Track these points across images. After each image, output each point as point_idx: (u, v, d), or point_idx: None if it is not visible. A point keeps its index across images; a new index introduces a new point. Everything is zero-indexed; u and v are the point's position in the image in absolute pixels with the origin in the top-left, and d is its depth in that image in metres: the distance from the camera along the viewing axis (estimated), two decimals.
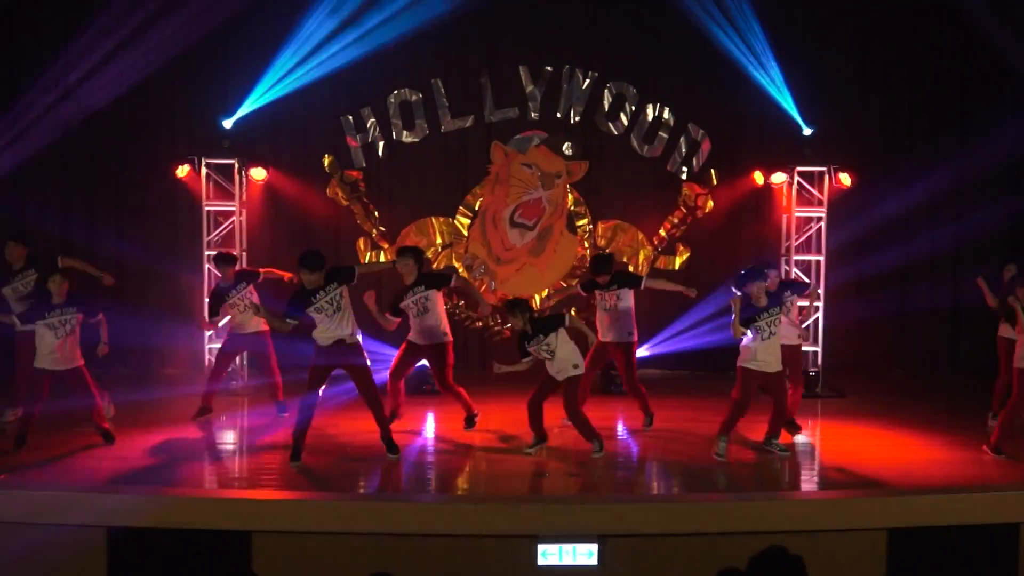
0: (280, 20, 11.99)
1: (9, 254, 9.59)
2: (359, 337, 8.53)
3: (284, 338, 9.17)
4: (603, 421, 9.65)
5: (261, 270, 10.08)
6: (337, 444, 9.00)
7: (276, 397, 10.11)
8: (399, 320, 9.19)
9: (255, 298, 9.65)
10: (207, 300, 10.76)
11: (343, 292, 8.30)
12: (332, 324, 8.27)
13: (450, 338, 9.35)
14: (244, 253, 11.96)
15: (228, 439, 9.64)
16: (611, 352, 9.70)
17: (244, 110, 11.91)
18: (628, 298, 9.57)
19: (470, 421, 9.47)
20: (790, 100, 12.17)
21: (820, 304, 11.89)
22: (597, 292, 9.60)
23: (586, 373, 9.13)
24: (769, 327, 8.51)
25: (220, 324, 10.56)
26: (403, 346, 9.45)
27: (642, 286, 9.64)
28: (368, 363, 8.51)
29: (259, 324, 9.76)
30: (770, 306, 8.54)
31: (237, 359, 11.21)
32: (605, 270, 9.58)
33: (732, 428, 8.74)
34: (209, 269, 11.71)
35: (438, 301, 9.26)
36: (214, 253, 10.82)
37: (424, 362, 9.67)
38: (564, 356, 8.59)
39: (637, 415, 9.82)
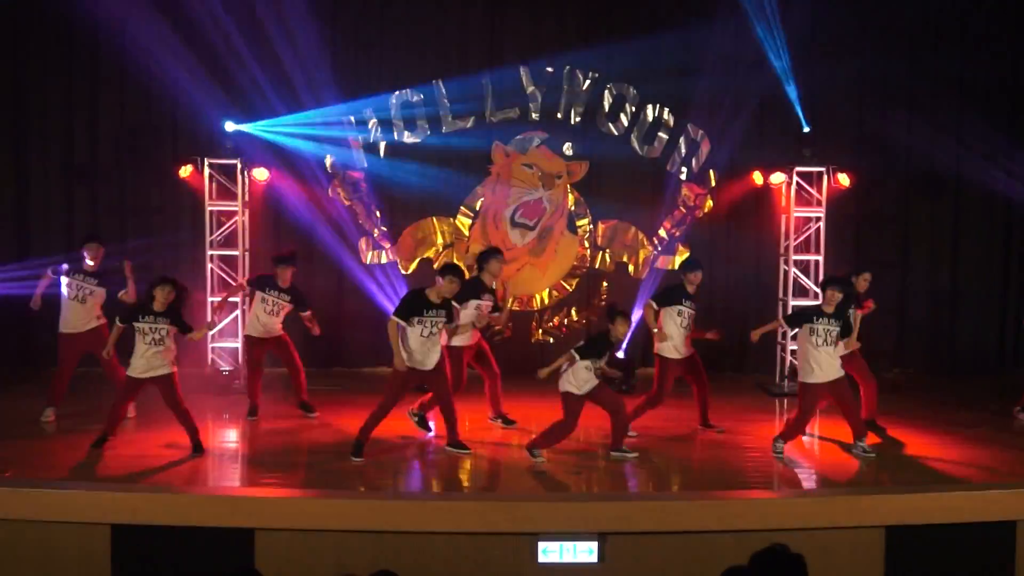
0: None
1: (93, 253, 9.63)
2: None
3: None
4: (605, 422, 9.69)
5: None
6: (339, 443, 9.01)
7: (300, 397, 10.15)
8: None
9: None
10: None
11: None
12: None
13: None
14: (247, 253, 11.96)
15: (231, 438, 9.64)
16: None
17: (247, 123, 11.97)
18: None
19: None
20: (794, 97, 12.19)
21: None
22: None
23: None
24: (826, 335, 8.55)
25: (219, 324, 10.55)
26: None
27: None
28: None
29: (280, 327, 9.88)
30: (832, 316, 8.58)
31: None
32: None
33: (793, 437, 8.84)
34: (212, 268, 11.76)
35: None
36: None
37: None
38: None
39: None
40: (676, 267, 12.75)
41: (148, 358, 8.49)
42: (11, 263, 11.72)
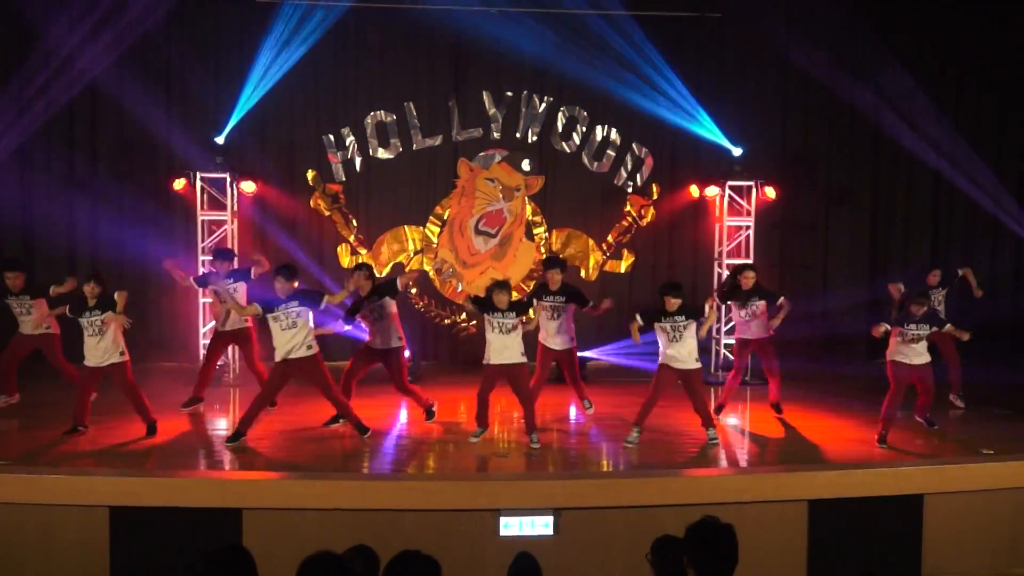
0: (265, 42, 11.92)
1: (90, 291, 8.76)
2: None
3: None
4: (557, 408, 9.67)
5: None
6: (320, 429, 8.92)
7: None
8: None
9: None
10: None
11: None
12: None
13: (404, 343, 9.19)
14: (235, 259, 11.79)
15: (220, 425, 9.52)
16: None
17: (232, 125, 11.80)
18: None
19: (430, 413, 9.37)
20: (716, 129, 12.30)
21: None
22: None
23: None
24: (918, 329, 8.64)
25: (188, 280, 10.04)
26: (360, 349, 9.36)
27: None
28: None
29: (244, 320, 9.58)
30: (920, 321, 8.64)
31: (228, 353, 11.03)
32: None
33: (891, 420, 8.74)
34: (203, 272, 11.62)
35: (392, 308, 9.11)
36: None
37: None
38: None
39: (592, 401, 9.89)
40: (622, 270, 12.86)
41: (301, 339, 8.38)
42: None
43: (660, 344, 8.63)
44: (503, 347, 8.45)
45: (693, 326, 8.55)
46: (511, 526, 7.23)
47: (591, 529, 7.38)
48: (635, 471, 8.01)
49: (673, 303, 8.45)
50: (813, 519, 7.53)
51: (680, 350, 8.52)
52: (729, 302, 9.87)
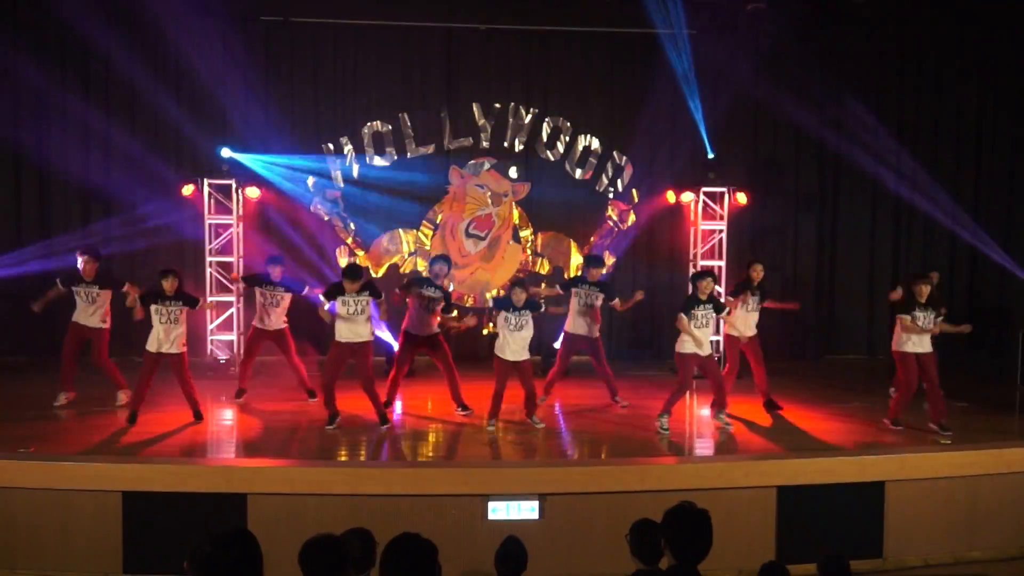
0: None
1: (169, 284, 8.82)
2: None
3: None
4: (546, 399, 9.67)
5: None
6: (320, 420, 8.91)
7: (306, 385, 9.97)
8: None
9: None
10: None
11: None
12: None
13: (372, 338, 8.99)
14: (240, 260, 11.80)
15: (227, 416, 9.49)
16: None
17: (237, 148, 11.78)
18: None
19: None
20: (702, 131, 12.29)
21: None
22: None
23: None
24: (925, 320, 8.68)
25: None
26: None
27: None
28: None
29: (282, 321, 9.67)
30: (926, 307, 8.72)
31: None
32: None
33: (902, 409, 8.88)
34: (210, 272, 11.62)
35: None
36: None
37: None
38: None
39: (569, 392, 9.90)
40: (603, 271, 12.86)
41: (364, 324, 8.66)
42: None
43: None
44: (515, 344, 8.69)
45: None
46: (499, 511, 7.23)
47: (574, 513, 7.39)
48: (616, 459, 8.03)
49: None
50: (781, 504, 7.56)
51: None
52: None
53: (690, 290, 9.03)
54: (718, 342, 11.10)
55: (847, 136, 12.85)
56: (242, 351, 10.26)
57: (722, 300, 9.57)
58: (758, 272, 9.54)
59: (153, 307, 8.64)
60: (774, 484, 7.58)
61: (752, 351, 9.50)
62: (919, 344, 8.73)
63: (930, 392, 8.82)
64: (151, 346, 8.68)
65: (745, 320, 9.44)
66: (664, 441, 8.49)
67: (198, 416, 8.85)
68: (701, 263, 12.16)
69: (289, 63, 12.31)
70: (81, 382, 9.62)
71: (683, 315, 8.65)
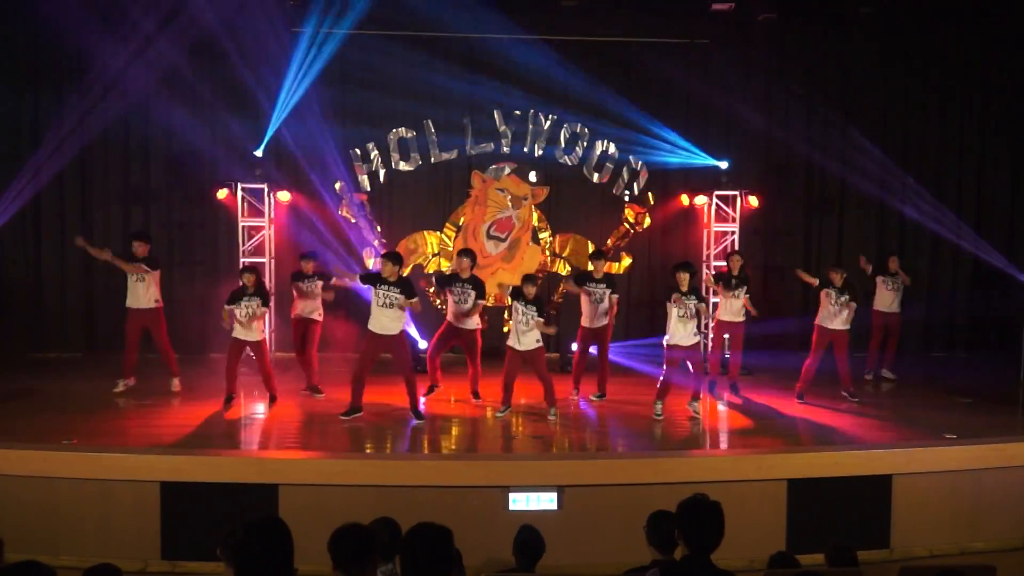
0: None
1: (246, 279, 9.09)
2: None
3: None
4: (561, 393, 9.68)
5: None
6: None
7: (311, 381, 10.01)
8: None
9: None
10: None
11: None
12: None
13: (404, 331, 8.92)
14: (272, 260, 11.89)
15: (259, 410, 9.53)
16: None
17: (268, 140, 11.81)
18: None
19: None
20: (700, 152, 12.35)
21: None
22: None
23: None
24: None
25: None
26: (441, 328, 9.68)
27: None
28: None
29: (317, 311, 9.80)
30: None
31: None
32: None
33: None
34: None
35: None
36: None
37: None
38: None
39: (589, 389, 9.90)
40: (620, 271, 12.83)
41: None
42: None
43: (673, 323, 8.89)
44: (524, 334, 8.84)
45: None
46: (519, 501, 7.25)
47: (592, 504, 7.40)
48: (631, 452, 8.02)
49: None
50: (792, 497, 7.53)
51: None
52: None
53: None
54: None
55: (853, 144, 12.76)
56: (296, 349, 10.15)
57: (703, 292, 9.75)
58: (736, 262, 10.12)
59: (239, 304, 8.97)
60: (784, 477, 7.55)
61: (734, 336, 10.23)
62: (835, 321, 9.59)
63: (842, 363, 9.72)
64: (237, 334, 9.08)
65: (727, 306, 10.13)
66: (696, 426, 8.77)
67: (273, 399, 9.36)
68: (714, 264, 12.13)
69: (326, 72, 12.21)
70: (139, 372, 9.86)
71: (668, 304, 8.89)
